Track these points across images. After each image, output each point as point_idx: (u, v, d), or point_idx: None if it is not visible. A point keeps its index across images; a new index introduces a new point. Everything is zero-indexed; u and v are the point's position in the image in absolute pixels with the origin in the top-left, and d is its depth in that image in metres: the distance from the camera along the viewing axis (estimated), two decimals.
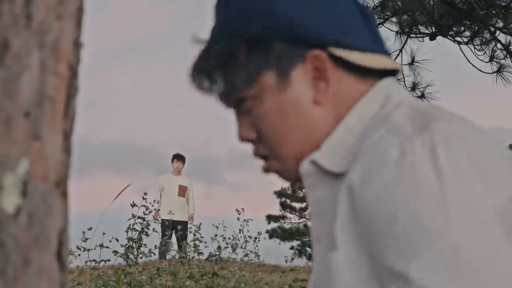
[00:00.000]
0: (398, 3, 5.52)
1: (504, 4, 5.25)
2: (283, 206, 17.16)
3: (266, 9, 0.76)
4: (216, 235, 8.61)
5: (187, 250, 7.06)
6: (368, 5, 5.28)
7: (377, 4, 5.46)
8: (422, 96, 5.73)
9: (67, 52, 0.54)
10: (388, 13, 5.56)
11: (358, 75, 0.78)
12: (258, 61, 0.77)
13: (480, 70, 5.67)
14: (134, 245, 5.83)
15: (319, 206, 0.76)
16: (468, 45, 5.67)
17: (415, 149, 0.63)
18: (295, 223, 16.81)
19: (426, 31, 5.66)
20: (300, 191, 16.73)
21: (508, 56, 5.60)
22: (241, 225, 9.07)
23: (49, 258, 0.51)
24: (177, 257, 7.11)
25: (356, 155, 0.70)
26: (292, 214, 17.19)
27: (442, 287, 0.57)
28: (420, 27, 5.69)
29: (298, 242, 15.87)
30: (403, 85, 5.64)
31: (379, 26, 5.33)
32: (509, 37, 5.49)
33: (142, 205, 6.04)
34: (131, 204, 5.97)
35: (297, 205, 17.15)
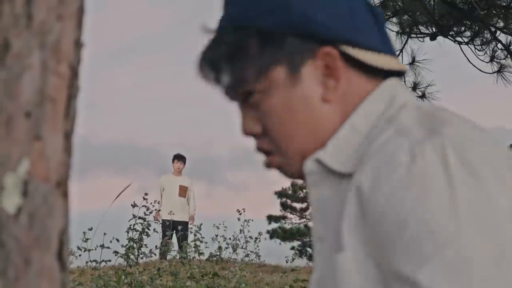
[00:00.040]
0: (399, 3, 5.52)
1: (504, 4, 5.25)
2: (284, 206, 17.13)
3: (282, 4, 0.76)
4: (216, 236, 8.62)
5: (188, 250, 7.06)
6: None
7: (377, 4, 5.46)
8: (423, 96, 5.73)
9: (68, 52, 0.54)
10: (389, 13, 5.55)
11: (366, 75, 0.78)
12: (270, 55, 0.76)
13: (481, 70, 5.66)
14: (134, 245, 5.84)
15: (323, 205, 0.75)
16: (469, 45, 5.67)
17: (426, 154, 0.63)
18: (295, 223, 16.79)
19: (427, 31, 5.66)
20: (300, 192, 16.71)
21: (508, 56, 5.60)
22: (241, 225, 9.09)
23: (50, 258, 0.51)
24: (177, 257, 7.11)
25: (363, 156, 0.70)
26: (293, 214, 17.16)
27: None
28: (420, 27, 5.69)
29: (299, 243, 15.86)
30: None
31: None
32: (509, 37, 5.49)
33: (143, 206, 6.04)
34: (132, 205, 5.97)
35: (297, 205, 17.13)
